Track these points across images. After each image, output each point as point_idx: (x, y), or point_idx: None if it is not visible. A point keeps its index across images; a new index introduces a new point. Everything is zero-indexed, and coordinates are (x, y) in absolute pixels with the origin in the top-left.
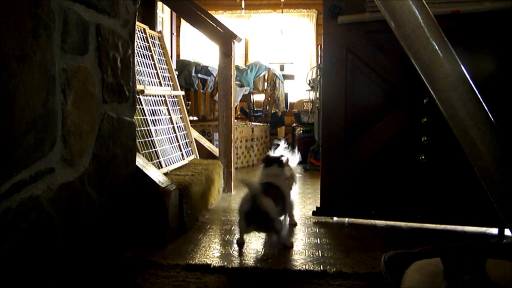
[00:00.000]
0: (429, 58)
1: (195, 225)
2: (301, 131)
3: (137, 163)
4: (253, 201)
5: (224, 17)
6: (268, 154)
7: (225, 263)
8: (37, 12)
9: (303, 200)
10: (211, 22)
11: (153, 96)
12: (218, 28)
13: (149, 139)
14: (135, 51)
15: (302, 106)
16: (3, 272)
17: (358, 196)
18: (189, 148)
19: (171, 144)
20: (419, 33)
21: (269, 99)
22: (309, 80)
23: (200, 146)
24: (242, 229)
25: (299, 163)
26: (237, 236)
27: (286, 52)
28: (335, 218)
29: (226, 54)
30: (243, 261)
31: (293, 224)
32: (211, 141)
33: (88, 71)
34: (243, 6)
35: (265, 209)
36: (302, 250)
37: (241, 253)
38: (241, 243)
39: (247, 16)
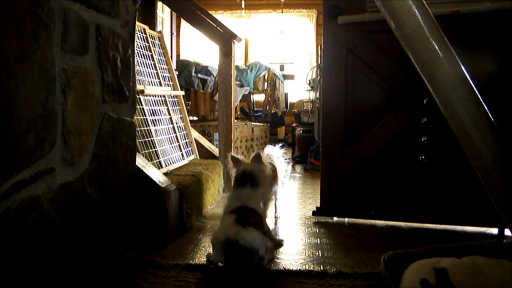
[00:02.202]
0: (429, 58)
1: (195, 225)
2: (301, 131)
3: (137, 163)
4: (234, 239)
5: (224, 17)
6: (243, 167)
7: None
8: (37, 12)
9: (303, 200)
10: (211, 22)
11: (153, 96)
12: (218, 28)
13: (149, 139)
14: (135, 51)
15: (302, 106)
16: (3, 272)
17: (358, 196)
18: (189, 148)
19: (171, 144)
20: (419, 33)
21: (269, 99)
22: (309, 80)
23: (200, 146)
24: (219, 261)
25: (299, 163)
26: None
27: (286, 52)
28: (335, 218)
29: (226, 54)
30: None
31: (276, 245)
32: (211, 141)
33: (88, 71)
34: (243, 6)
35: (249, 245)
36: (302, 250)
37: None
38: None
39: (247, 16)
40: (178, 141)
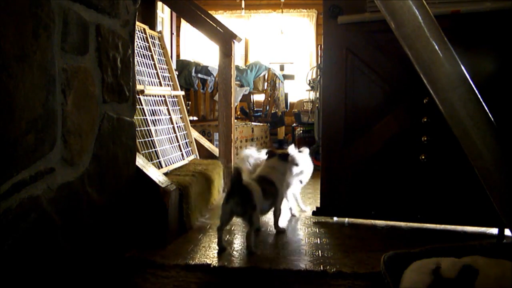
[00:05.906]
0: (429, 58)
1: (195, 225)
2: (301, 131)
3: (137, 163)
4: (239, 177)
5: (224, 17)
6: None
7: (225, 263)
8: (37, 12)
9: (303, 200)
10: (211, 22)
11: (153, 96)
12: (218, 28)
13: (149, 139)
14: (135, 51)
15: (302, 106)
16: (3, 272)
17: (358, 196)
18: (189, 148)
19: (171, 144)
20: (419, 33)
21: (269, 99)
22: (309, 80)
23: (200, 146)
24: (222, 210)
25: None
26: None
27: (286, 52)
28: (335, 218)
29: (226, 54)
30: (243, 261)
31: (276, 228)
32: (211, 141)
33: (88, 71)
34: (243, 6)
35: (250, 187)
36: (302, 250)
37: (241, 253)
38: (220, 232)
39: (247, 16)
40: (178, 141)
